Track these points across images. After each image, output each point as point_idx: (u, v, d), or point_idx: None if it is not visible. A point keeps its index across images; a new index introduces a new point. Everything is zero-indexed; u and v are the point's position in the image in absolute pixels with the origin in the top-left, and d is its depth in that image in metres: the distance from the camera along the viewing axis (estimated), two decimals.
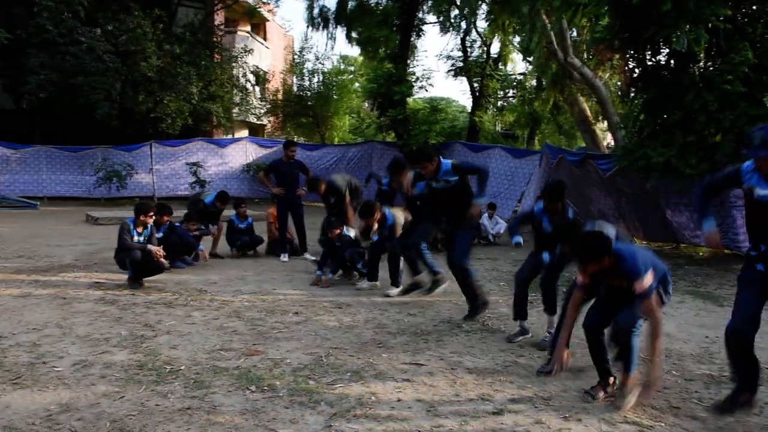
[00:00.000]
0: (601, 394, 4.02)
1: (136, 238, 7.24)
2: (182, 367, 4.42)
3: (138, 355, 4.67)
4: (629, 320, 3.89)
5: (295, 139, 25.49)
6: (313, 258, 9.17)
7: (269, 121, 29.40)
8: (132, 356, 4.65)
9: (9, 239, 10.91)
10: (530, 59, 22.56)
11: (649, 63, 11.45)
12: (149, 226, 7.38)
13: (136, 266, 7.14)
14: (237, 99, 24.15)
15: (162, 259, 7.28)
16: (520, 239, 5.67)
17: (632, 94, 12.22)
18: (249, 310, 6.27)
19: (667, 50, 10.90)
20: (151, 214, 7.39)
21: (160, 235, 7.88)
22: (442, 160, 6.09)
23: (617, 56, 12.13)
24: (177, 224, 8.68)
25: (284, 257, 9.50)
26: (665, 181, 10.62)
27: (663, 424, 3.67)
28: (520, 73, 26.54)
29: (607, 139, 21.44)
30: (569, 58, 15.29)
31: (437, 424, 3.55)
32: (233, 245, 9.85)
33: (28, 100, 18.31)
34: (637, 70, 11.78)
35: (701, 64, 10.59)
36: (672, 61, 11.01)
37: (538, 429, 3.55)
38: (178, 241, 8.40)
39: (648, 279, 3.70)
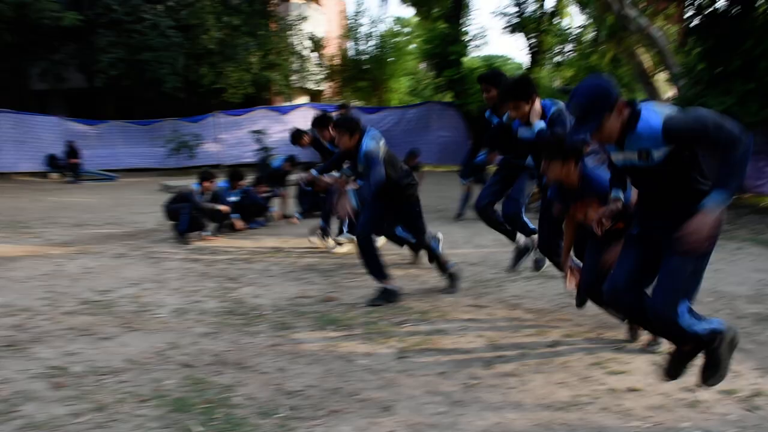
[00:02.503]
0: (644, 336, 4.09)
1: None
2: (267, 312, 4.96)
3: (226, 303, 5.24)
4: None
5: (353, 103, 25.89)
6: None
7: (328, 87, 29.83)
8: (221, 304, 5.22)
9: (97, 208, 11.77)
10: (586, 12, 22.22)
11: (708, 11, 11.30)
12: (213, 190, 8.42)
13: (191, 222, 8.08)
14: (295, 66, 24.63)
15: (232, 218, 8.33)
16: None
17: (690, 44, 12.08)
18: (321, 263, 6.80)
19: None
20: (212, 180, 8.45)
21: (235, 198, 8.53)
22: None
23: (673, 6, 11.94)
24: (248, 188, 9.28)
25: None
26: None
27: None
28: (578, 27, 26.10)
29: (669, 91, 20.99)
30: (625, 9, 15.07)
31: (498, 354, 3.98)
32: (302, 206, 10.26)
33: (100, 78, 19.26)
34: (695, 20, 11.63)
35: (762, 9, 10.40)
36: (731, 8, 10.85)
37: (591, 358, 3.93)
38: (251, 203, 9.02)
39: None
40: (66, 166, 18.28)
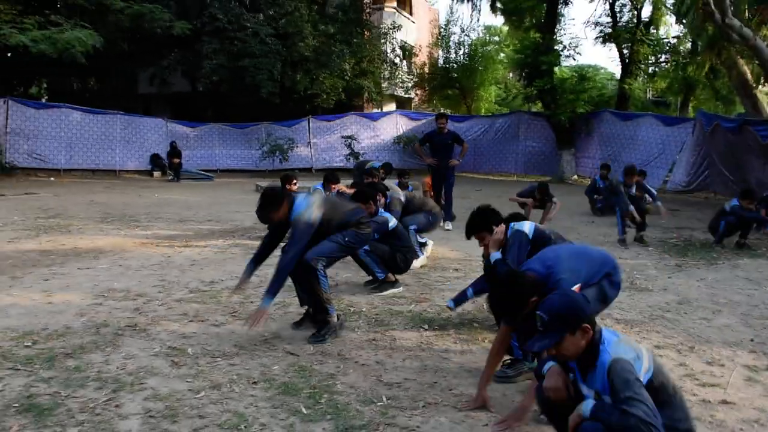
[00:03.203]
0: None
1: None
2: (363, 309, 5.22)
3: None
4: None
5: (442, 111, 26.09)
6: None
7: (416, 94, 30.16)
8: None
9: (197, 206, 12.45)
10: (684, 21, 21.54)
11: None
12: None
13: None
14: (386, 74, 25.08)
15: None
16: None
17: None
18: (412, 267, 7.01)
19: None
20: (295, 182, 8.43)
21: None
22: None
23: None
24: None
25: (448, 225, 9.77)
26: None
27: None
28: (674, 37, 25.30)
29: None
30: (728, 18, 14.59)
31: None
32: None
33: (203, 83, 20.29)
34: None
35: None
36: None
37: (681, 370, 3.96)
38: None
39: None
40: (168, 165, 19.36)
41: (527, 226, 4.27)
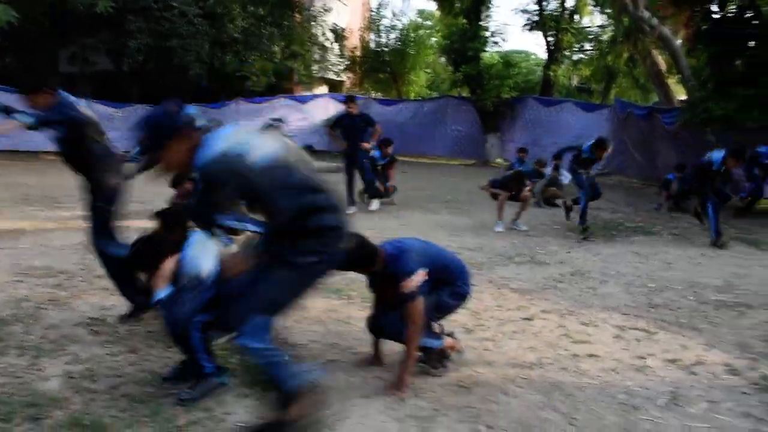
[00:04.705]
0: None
1: None
2: None
3: None
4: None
5: (373, 95, 26.46)
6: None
7: (347, 78, 30.34)
8: None
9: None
10: (608, 12, 22.52)
11: (715, 17, 11.70)
12: None
13: None
14: (317, 57, 25.16)
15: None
16: None
17: (698, 48, 12.49)
18: None
19: (734, 5, 11.07)
20: None
21: None
22: None
23: (682, 11, 12.31)
24: None
25: (373, 205, 10.02)
26: (727, 135, 10.97)
27: (665, 332, 4.51)
28: (598, 26, 26.33)
29: (682, 94, 21.27)
30: (640, 11, 15.43)
31: (479, 324, 4.54)
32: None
33: (128, 62, 19.94)
34: (703, 25, 12.02)
35: (764, 15, 10.76)
36: (736, 15, 11.23)
37: (559, 330, 4.47)
38: None
39: (416, 278, 3.41)
40: None
41: (208, 261, 3.43)
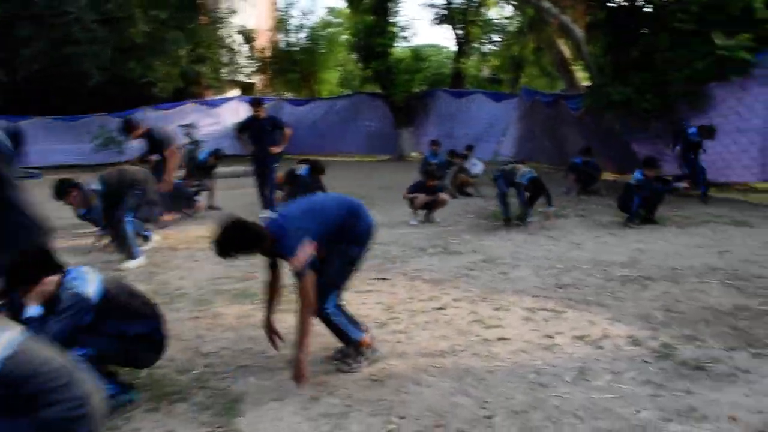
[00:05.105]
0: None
1: None
2: (190, 292, 5.38)
3: (152, 286, 5.62)
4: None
5: (285, 96, 26.17)
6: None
7: (259, 80, 29.89)
8: (147, 287, 5.58)
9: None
10: (513, 3, 23.07)
11: (609, 5, 12.16)
12: None
13: None
14: (225, 59, 24.67)
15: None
16: None
17: (595, 36, 12.96)
18: None
19: None
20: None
21: None
22: None
23: (580, 1, 12.72)
24: (177, 181, 9.56)
25: (269, 213, 9.24)
26: (627, 117, 11.44)
27: (573, 310, 4.63)
28: (506, 18, 26.93)
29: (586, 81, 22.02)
30: (542, 1, 15.85)
31: (391, 317, 4.54)
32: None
33: (22, 72, 18.94)
34: (598, 14, 12.48)
35: (654, 5, 11.25)
36: (629, 4, 11.71)
37: (471, 317, 4.52)
38: (180, 196, 9.31)
39: (302, 254, 3.32)
40: None
41: (91, 285, 3.15)
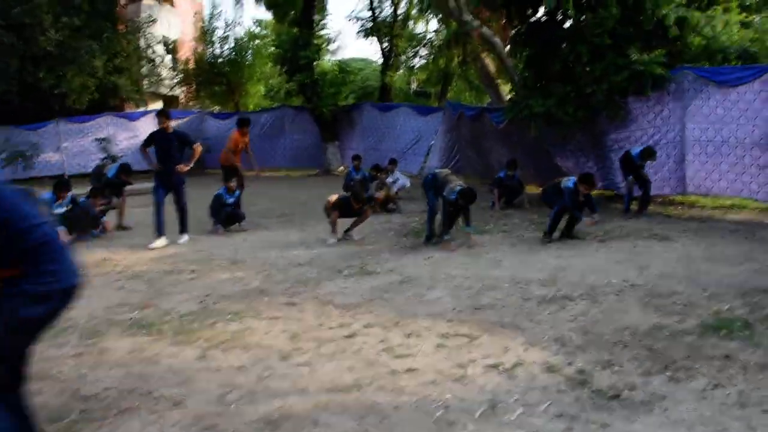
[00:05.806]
0: None
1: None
2: (81, 322, 4.92)
3: None
4: None
5: (212, 110, 25.53)
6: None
7: (182, 92, 29.05)
8: None
9: None
10: (438, 17, 23.15)
11: (530, 20, 12.26)
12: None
13: None
14: (145, 71, 23.84)
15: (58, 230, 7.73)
16: None
17: (517, 50, 13.05)
18: (148, 272, 6.76)
19: (546, 8, 11.57)
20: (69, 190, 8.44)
21: (61, 210, 8.22)
22: None
23: (498, 14, 12.78)
24: (81, 199, 8.99)
25: (182, 239, 8.71)
26: (549, 130, 11.52)
27: (488, 334, 4.45)
28: (433, 31, 27.04)
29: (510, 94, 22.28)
30: (464, 15, 15.90)
31: (296, 347, 4.23)
32: (218, 220, 9.47)
33: None
34: (520, 28, 12.56)
35: (573, 19, 11.38)
36: (549, 18, 11.83)
37: (381, 345, 4.26)
38: (81, 214, 8.72)
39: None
40: None
41: None
